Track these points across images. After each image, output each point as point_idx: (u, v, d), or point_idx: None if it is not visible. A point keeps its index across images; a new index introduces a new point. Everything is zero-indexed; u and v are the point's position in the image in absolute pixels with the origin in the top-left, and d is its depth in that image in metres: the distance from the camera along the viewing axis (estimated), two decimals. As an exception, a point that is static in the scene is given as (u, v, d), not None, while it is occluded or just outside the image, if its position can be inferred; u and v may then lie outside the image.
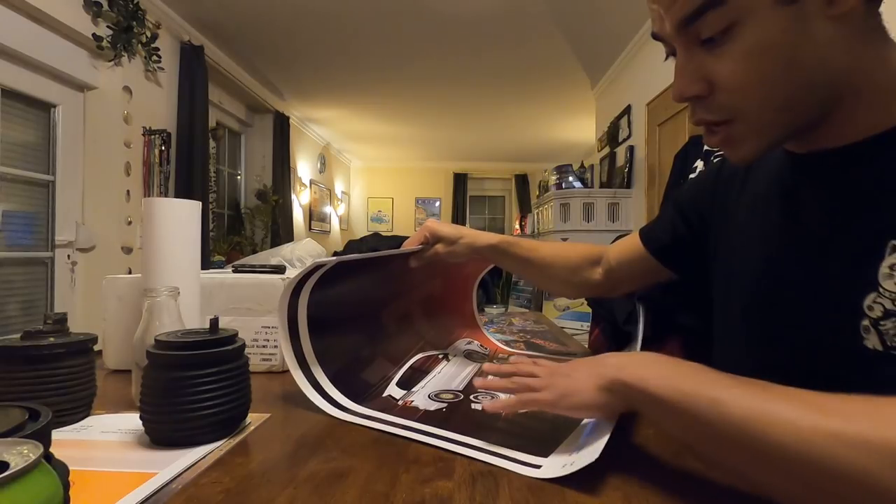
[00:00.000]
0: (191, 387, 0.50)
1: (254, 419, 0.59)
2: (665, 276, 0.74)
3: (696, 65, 0.44)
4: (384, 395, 0.69)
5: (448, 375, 0.78)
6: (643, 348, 0.73)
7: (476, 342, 1.00)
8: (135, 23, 2.90)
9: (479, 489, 0.42)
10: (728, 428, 0.36)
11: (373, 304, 0.82)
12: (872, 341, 0.41)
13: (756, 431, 0.34)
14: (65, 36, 2.63)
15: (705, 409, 0.37)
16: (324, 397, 0.63)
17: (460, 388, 0.72)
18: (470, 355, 0.91)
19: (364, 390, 0.68)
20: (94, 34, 2.69)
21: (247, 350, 0.57)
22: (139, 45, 2.98)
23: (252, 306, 0.82)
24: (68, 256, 2.77)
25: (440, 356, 0.87)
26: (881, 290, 0.40)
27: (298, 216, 5.84)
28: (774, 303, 0.51)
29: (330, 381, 0.65)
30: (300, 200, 5.95)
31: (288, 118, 5.25)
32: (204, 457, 0.49)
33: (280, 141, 5.07)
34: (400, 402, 0.66)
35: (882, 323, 0.40)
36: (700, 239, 0.66)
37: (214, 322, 0.55)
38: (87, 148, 2.84)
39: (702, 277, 0.65)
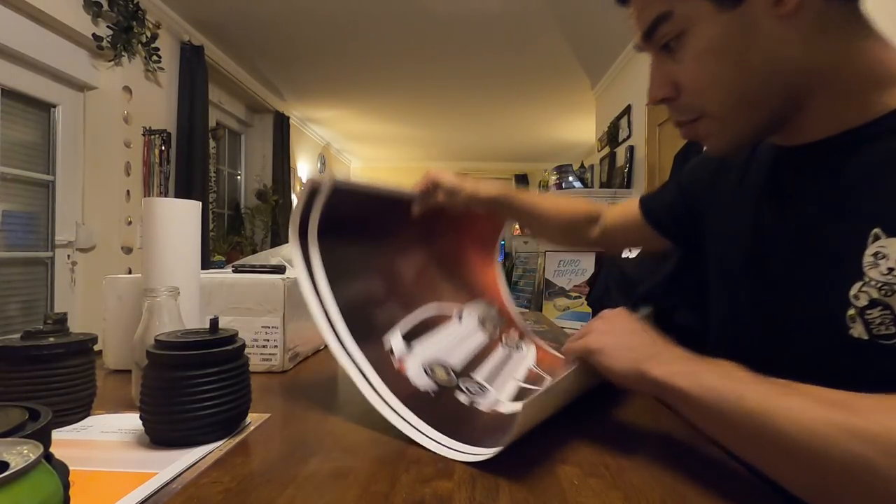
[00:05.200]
0: (191, 387, 0.50)
1: (254, 419, 0.59)
2: (662, 244, 0.75)
3: (664, 71, 0.49)
4: (385, 343, 0.67)
5: (453, 340, 0.76)
6: None
7: (496, 308, 0.95)
8: (135, 23, 2.89)
9: (479, 489, 0.42)
10: (748, 420, 0.38)
11: (387, 249, 0.81)
12: (858, 330, 0.41)
13: (772, 424, 0.37)
14: (65, 36, 2.63)
15: (728, 404, 0.40)
16: (328, 322, 0.62)
17: (458, 364, 0.71)
18: (483, 322, 0.87)
19: (368, 331, 0.67)
20: (94, 34, 2.69)
21: (247, 350, 0.57)
22: (139, 45, 2.98)
23: (252, 306, 0.82)
24: (68, 256, 2.77)
25: (453, 314, 0.84)
26: (866, 279, 0.41)
27: (298, 216, 5.84)
28: (763, 292, 0.52)
29: (339, 308, 0.64)
30: (300, 200, 5.95)
31: (288, 118, 5.25)
32: (204, 457, 0.48)
33: (280, 141, 5.07)
34: (395, 361, 0.65)
35: (868, 312, 0.41)
36: (697, 219, 0.68)
37: (214, 322, 0.55)
38: (87, 148, 2.84)
39: (698, 252, 0.66)
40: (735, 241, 0.57)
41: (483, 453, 0.48)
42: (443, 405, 0.61)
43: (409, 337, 0.71)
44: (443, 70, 4.39)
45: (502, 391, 0.68)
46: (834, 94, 0.45)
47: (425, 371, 0.66)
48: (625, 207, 0.81)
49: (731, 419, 0.40)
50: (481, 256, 1.03)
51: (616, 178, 4.09)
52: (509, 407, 0.63)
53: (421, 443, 0.52)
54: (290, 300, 0.83)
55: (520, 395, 0.68)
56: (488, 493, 0.42)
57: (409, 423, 0.55)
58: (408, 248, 0.85)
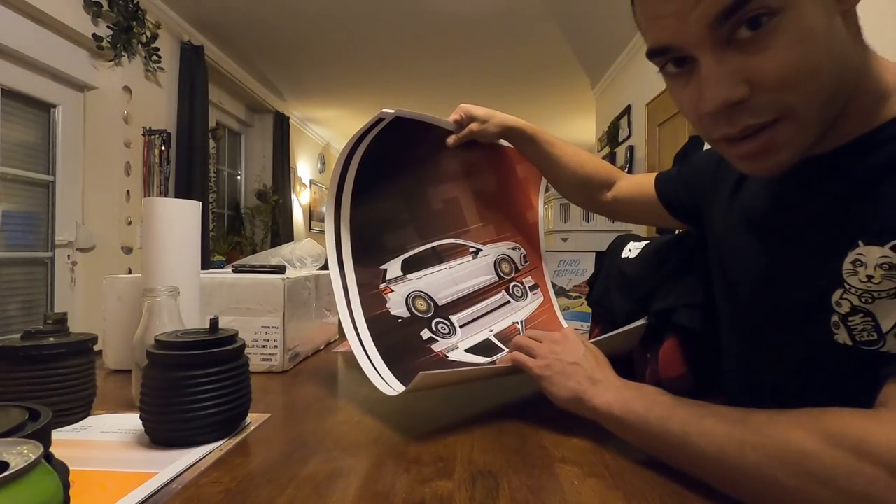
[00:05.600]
0: (191, 387, 0.50)
1: (254, 419, 0.59)
2: (669, 223, 0.76)
3: (733, 67, 0.40)
4: (382, 266, 0.70)
5: (454, 275, 0.76)
6: (643, 346, 0.73)
7: (522, 250, 0.92)
8: (135, 23, 2.90)
9: (479, 489, 0.42)
10: (671, 440, 0.44)
11: (423, 178, 0.83)
12: (842, 336, 0.42)
13: (690, 442, 0.42)
14: (65, 36, 2.63)
15: (654, 427, 0.45)
16: (337, 239, 0.67)
17: (443, 300, 0.72)
18: (499, 264, 0.86)
19: (374, 251, 0.70)
20: (94, 34, 2.69)
21: (247, 350, 0.57)
22: (139, 45, 2.98)
23: (252, 306, 0.82)
24: (68, 256, 2.77)
25: (471, 249, 0.83)
26: (846, 286, 0.41)
27: (298, 216, 5.84)
28: (756, 298, 0.53)
29: (350, 228, 0.69)
30: (300, 200, 5.95)
31: (288, 118, 5.25)
32: (204, 457, 0.49)
33: (280, 141, 5.07)
34: (381, 287, 0.67)
35: (850, 319, 0.41)
36: (698, 211, 0.69)
37: (214, 322, 0.55)
38: (87, 148, 2.84)
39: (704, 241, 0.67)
40: (729, 245, 0.58)
41: (396, 389, 0.54)
42: (402, 334, 0.63)
43: (409, 265, 0.72)
44: (443, 70, 4.39)
45: (467, 339, 0.69)
46: (855, 103, 0.44)
47: (407, 299, 0.67)
48: (640, 181, 0.81)
49: (658, 440, 0.45)
50: (523, 198, 1.01)
51: (616, 178, 4.09)
52: (458, 355, 0.65)
53: (359, 359, 0.58)
54: (290, 300, 0.83)
55: (482, 347, 0.70)
56: (488, 492, 0.42)
57: (360, 340, 0.59)
58: (442, 182, 0.86)
